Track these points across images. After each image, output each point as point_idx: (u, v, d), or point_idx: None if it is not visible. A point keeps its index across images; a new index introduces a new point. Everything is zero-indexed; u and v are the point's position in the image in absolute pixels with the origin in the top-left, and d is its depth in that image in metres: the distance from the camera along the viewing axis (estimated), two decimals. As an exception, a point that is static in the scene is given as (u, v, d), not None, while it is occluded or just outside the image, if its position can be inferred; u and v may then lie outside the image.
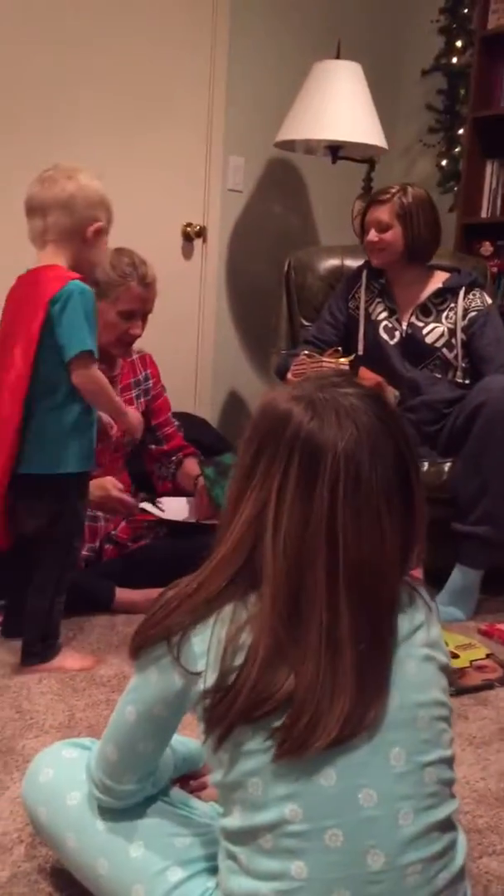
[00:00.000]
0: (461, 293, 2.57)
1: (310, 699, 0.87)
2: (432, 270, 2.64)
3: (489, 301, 2.60)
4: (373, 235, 2.56)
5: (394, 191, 2.54)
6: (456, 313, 2.56)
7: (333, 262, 2.97)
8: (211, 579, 0.95)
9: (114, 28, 2.90)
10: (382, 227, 2.53)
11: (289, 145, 3.22)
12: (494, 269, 3.26)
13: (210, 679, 0.91)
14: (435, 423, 2.53)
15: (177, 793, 1.18)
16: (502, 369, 2.49)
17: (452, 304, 2.57)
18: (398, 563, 0.93)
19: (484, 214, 3.34)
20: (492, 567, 2.40)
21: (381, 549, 0.91)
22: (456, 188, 3.44)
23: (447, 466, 2.43)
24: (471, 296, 2.58)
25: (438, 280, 2.62)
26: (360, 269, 2.73)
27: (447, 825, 0.94)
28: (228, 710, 0.89)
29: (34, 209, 1.94)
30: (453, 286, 2.59)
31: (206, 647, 0.92)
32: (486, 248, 3.31)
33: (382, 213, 2.54)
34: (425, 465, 2.44)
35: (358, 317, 2.68)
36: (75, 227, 1.93)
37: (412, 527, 0.95)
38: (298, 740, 0.87)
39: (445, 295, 2.59)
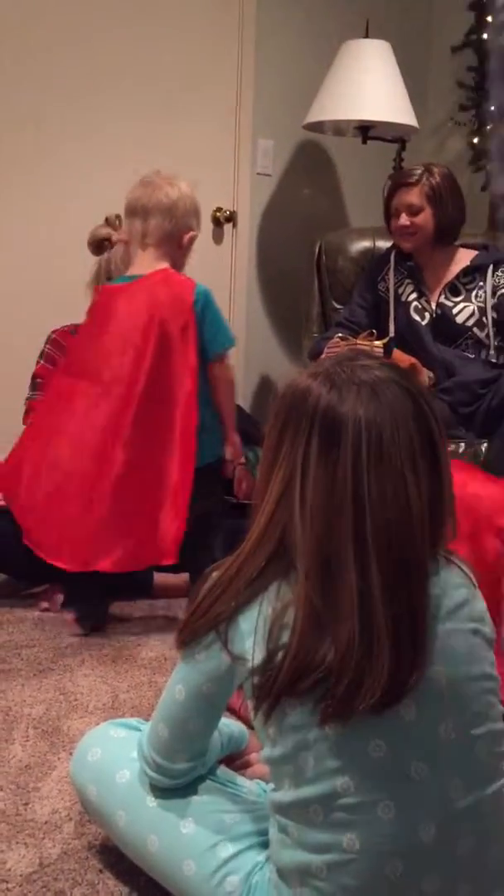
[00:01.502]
0: (489, 271, 2.55)
1: (348, 661, 0.88)
2: (459, 249, 2.61)
3: None
4: (404, 220, 2.53)
5: (419, 172, 2.51)
6: (485, 291, 2.53)
7: (364, 243, 2.95)
8: (249, 561, 0.96)
9: (140, 13, 2.90)
10: (414, 211, 2.51)
11: (318, 127, 3.20)
12: (528, 248, 3.22)
13: (258, 657, 0.92)
14: (470, 404, 2.50)
15: (223, 772, 1.20)
16: None
17: (481, 283, 2.54)
18: (427, 529, 0.93)
19: (517, 192, 3.30)
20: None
21: (408, 513, 0.91)
22: (488, 166, 3.39)
23: (484, 447, 2.41)
24: (500, 272, 2.54)
25: (466, 258, 2.59)
26: (388, 251, 2.70)
27: (499, 799, 0.94)
28: (273, 685, 0.90)
29: (136, 211, 2.06)
30: (481, 264, 2.56)
31: (253, 625, 0.93)
32: (520, 226, 3.27)
33: (413, 196, 2.50)
34: (462, 447, 2.42)
35: (388, 298, 2.66)
36: (174, 232, 2.05)
37: (440, 493, 0.95)
38: (342, 702, 0.87)
39: (474, 273, 2.56)
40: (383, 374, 0.94)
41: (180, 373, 1.99)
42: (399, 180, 2.56)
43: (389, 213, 2.59)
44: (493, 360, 2.53)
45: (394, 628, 0.89)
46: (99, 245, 2.24)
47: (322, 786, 0.89)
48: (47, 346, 2.42)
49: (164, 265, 2.05)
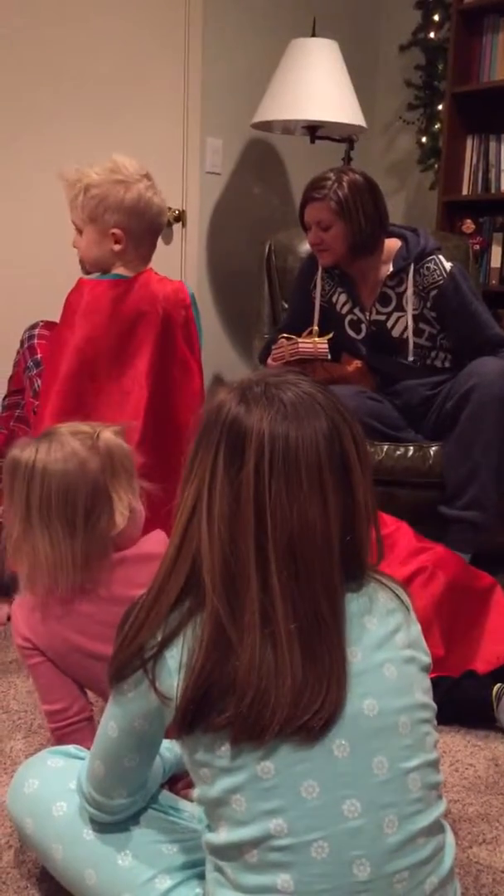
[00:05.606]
0: (411, 272, 2.40)
1: (253, 676, 0.86)
2: (385, 246, 2.44)
3: (448, 267, 2.39)
4: (314, 236, 2.40)
5: (329, 183, 2.33)
6: (418, 297, 2.41)
7: (314, 244, 2.93)
8: (167, 583, 0.94)
9: (86, 11, 2.84)
10: (324, 226, 2.38)
11: (266, 126, 3.17)
12: (476, 247, 3.23)
13: (181, 697, 0.89)
14: (420, 406, 2.50)
15: (165, 796, 1.18)
16: (487, 346, 2.43)
17: (412, 288, 2.41)
18: (335, 547, 0.91)
19: (465, 191, 3.31)
20: (478, 551, 2.40)
21: (310, 529, 0.89)
22: (437, 165, 3.40)
23: (433, 450, 2.42)
24: (424, 270, 2.39)
25: (391, 257, 2.43)
26: (314, 257, 2.54)
27: (434, 829, 0.93)
28: (192, 720, 0.88)
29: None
30: (402, 267, 2.41)
31: (178, 662, 0.91)
32: (468, 225, 3.28)
33: (321, 212, 2.35)
34: (411, 450, 2.42)
35: (316, 307, 2.55)
36: (145, 231, 2.04)
37: (353, 513, 0.93)
38: (249, 720, 0.86)
39: (400, 275, 2.42)
40: (302, 391, 0.92)
41: (188, 368, 2.01)
42: (308, 193, 2.39)
43: (304, 226, 2.46)
44: (439, 365, 2.52)
45: (301, 646, 0.88)
46: None
47: (256, 828, 0.87)
48: (40, 330, 2.31)
49: (146, 266, 2.06)
